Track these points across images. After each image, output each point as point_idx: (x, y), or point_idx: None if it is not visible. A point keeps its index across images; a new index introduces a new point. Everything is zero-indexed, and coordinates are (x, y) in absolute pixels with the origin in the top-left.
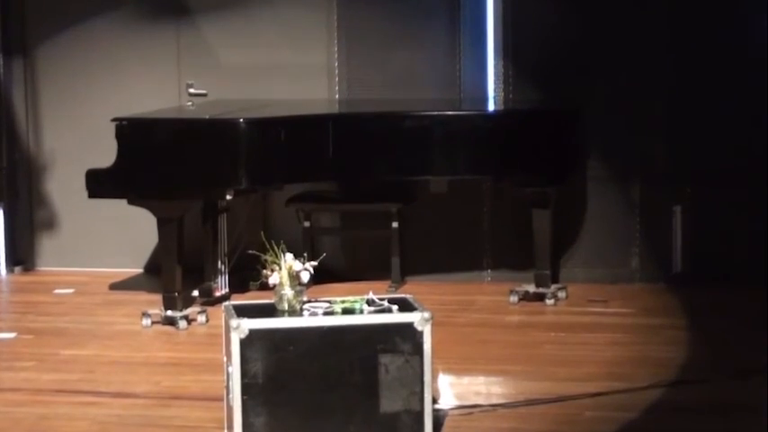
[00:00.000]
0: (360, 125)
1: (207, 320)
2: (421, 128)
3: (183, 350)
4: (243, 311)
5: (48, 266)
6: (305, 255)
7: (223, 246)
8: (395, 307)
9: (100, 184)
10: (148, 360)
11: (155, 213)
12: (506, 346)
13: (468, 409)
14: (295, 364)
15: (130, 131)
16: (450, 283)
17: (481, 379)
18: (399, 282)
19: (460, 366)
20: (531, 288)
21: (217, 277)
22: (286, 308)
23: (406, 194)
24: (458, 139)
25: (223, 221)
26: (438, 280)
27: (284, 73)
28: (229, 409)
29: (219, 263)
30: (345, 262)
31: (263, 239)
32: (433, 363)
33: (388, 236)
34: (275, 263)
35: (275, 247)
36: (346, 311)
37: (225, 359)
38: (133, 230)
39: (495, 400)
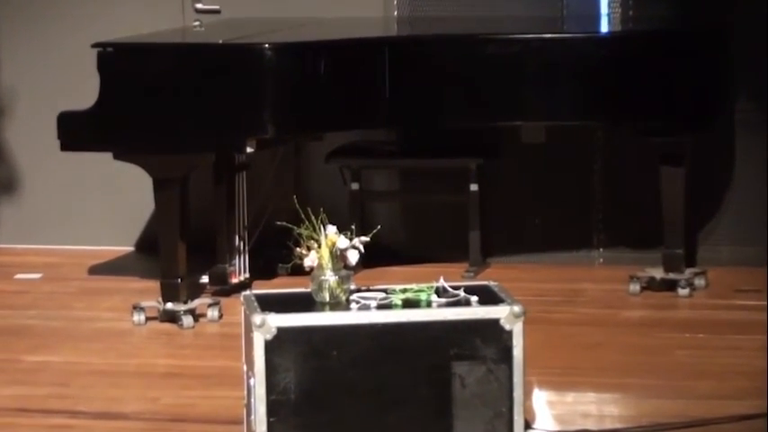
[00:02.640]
0: (426, 53)
1: (220, 316)
2: (509, 56)
3: (189, 356)
4: (269, 304)
5: (7, 243)
6: (352, 228)
7: (242, 216)
8: (474, 298)
9: (76, 132)
10: (142, 369)
11: (150, 172)
12: (624, 352)
13: None
14: (339, 375)
15: (117, 61)
16: (548, 266)
17: (591, 396)
18: (480, 264)
19: (563, 379)
20: (659, 273)
21: (233, 258)
22: (327, 299)
23: (488, 147)
24: (559, 70)
25: (242, 183)
26: (532, 262)
27: None
28: None
29: (237, 239)
30: (407, 237)
31: (296, 207)
32: (525, 374)
33: (464, 202)
34: (312, 238)
35: (312, 218)
36: (408, 304)
37: (245, 368)
38: (121, 195)
39: (609, 425)
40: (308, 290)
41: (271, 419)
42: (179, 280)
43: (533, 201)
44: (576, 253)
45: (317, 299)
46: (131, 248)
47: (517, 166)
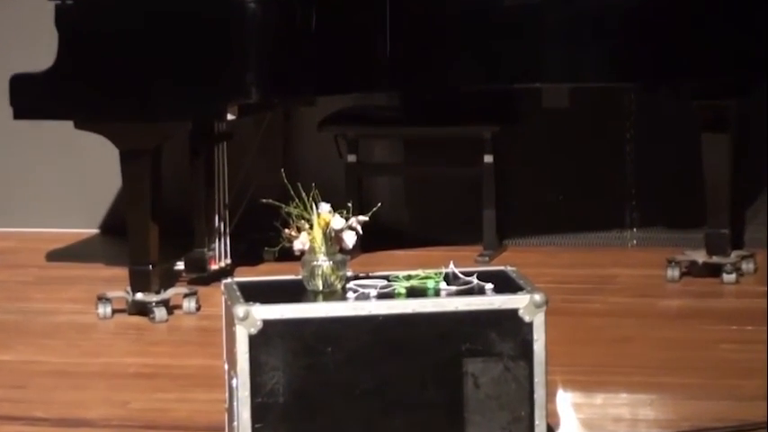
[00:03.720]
0: (432, 3)
1: (198, 308)
2: (528, 7)
3: (162, 354)
4: (253, 293)
5: None
6: (349, 205)
7: (222, 193)
8: (489, 286)
9: (32, 97)
10: (108, 369)
11: (117, 143)
12: (662, 347)
13: None
14: (334, 374)
15: (78, 15)
16: (573, 248)
17: (623, 397)
18: (495, 247)
19: (591, 378)
20: (701, 257)
21: (213, 241)
22: (320, 287)
23: (504, 112)
24: (585, 24)
25: (222, 155)
26: (555, 244)
27: None
28: None
29: (217, 219)
30: (411, 217)
31: (285, 182)
32: (547, 372)
33: (477, 176)
34: (303, 218)
35: (303, 195)
36: (413, 293)
37: (226, 367)
38: (84, 170)
39: (644, 430)
40: (299, 277)
41: (256, 426)
42: (150, 267)
43: (556, 174)
44: (606, 234)
45: (309, 287)
46: (95, 231)
47: (538, 134)
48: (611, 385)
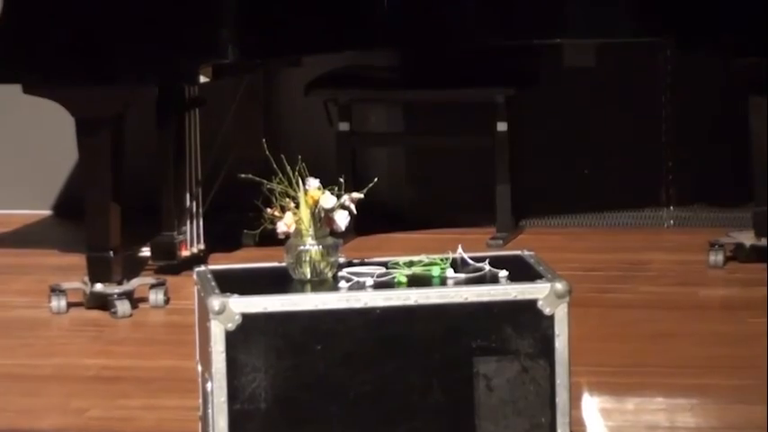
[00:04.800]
0: None
1: (166, 301)
2: None
3: (125, 354)
4: (231, 283)
5: None
6: (341, 181)
7: (195, 168)
8: (502, 273)
9: None
10: (63, 372)
11: (71, 110)
12: (703, 343)
13: None
14: (324, 376)
15: None
16: (600, 230)
17: (659, 401)
18: (510, 229)
19: (622, 379)
20: (748, 239)
21: (183, 224)
22: (308, 276)
23: (521, 73)
24: None
25: (194, 124)
26: (579, 225)
27: None
28: None
29: (188, 198)
30: (413, 194)
31: (266, 154)
32: (571, 373)
33: (489, 147)
34: (288, 196)
35: (288, 169)
36: (416, 282)
37: (199, 369)
38: (34, 144)
39: None
40: (283, 264)
41: None
42: (111, 253)
43: (581, 144)
44: (639, 213)
45: (295, 276)
46: (48, 212)
47: (559, 98)
48: (646, 388)
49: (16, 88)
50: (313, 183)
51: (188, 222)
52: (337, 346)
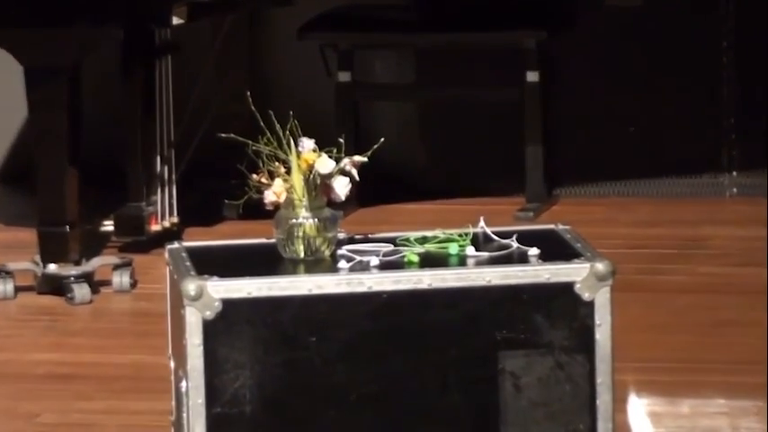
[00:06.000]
0: None
1: (133, 284)
2: None
3: (84, 347)
4: (210, 263)
5: None
6: (341, 141)
7: (166, 126)
8: (533, 251)
9: None
10: (10, 369)
11: (20, 58)
12: None
13: None
14: (321, 374)
15: None
16: (649, 200)
17: (720, 404)
18: (542, 199)
19: (675, 377)
20: None
21: (153, 193)
22: (301, 254)
23: (554, 13)
24: None
25: (166, 75)
26: (624, 194)
27: None
28: None
29: (159, 162)
30: (427, 158)
31: (251, 110)
32: (615, 370)
33: (517, 101)
34: (278, 159)
35: (278, 127)
36: (430, 262)
37: (172, 365)
38: None
39: None
40: (272, 241)
41: None
42: (67, 228)
43: (625, 98)
44: (696, 180)
45: (286, 255)
46: None
47: (599, 42)
48: (704, 387)
49: None
50: (307, 144)
51: (158, 191)
52: (336, 338)
